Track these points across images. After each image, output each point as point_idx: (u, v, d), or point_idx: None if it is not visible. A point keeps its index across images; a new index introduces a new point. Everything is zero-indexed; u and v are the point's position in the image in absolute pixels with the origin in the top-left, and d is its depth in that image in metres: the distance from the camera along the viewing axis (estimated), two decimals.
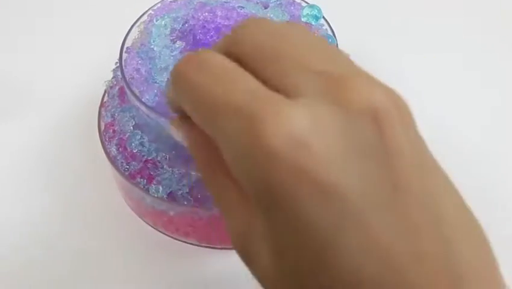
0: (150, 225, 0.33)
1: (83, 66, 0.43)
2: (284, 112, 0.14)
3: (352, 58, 0.18)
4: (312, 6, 0.32)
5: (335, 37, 0.32)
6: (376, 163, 0.14)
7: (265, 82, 0.16)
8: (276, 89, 0.16)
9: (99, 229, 0.34)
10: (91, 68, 0.42)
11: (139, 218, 0.34)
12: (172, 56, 0.29)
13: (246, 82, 0.16)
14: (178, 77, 0.18)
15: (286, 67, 0.16)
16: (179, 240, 0.33)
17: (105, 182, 0.35)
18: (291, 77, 0.16)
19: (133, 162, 0.31)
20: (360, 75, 0.16)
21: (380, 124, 0.15)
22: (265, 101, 0.15)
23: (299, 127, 0.14)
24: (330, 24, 0.32)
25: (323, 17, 0.32)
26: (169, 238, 0.33)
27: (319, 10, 0.31)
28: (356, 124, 0.15)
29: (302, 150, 0.14)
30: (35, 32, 0.48)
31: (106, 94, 0.35)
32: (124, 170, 0.31)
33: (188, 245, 0.32)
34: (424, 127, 0.17)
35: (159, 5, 0.33)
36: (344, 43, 0.31)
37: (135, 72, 0.30)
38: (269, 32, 0.17)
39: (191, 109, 0.17)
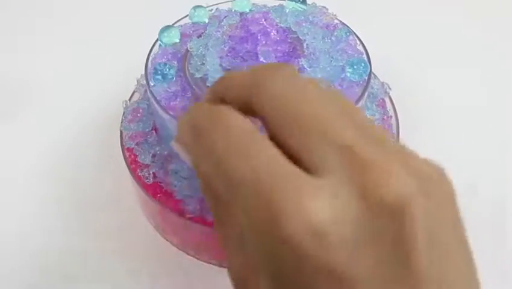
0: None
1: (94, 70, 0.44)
2: (305, 200, 0.14)
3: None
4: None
5: (365, 48, 0.31)
6: (390, 253, 0.14)
7: (283, 147, 0.16)
8: (296, 159, 0.16)
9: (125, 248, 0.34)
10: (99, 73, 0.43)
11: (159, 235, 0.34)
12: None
13: (265, 150, 0.16)
14: (194, 130, 0.17)
15: (310, 139, 0.16)
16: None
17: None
18: (315, 151, 0.15)
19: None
20: (391, 159, 0.15)
21: (401, 219, 0.14)
22: (286, 179, 0.15)
23: (320, 219, 0.14)
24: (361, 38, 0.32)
25: (354, 34, 0.31)
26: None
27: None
28: (377, 218, 0.14)
29: (319, 240, 0.14)
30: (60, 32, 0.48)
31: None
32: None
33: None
34: None
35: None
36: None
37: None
38: (293, 91, 0.17)
39: (209, 168, 0.17)
